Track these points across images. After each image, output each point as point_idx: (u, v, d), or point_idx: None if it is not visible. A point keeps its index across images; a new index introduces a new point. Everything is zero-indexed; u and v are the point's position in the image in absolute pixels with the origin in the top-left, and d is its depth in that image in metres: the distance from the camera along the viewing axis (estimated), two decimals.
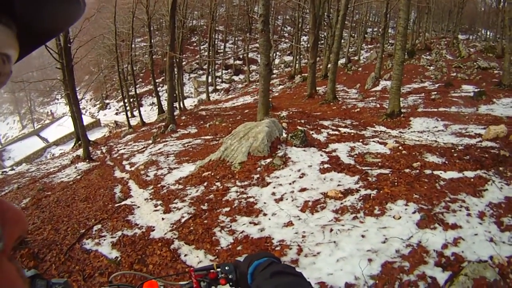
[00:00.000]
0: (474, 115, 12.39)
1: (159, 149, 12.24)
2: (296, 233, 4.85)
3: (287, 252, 4.43)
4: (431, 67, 25.77)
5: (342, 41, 30.11)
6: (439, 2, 45.95)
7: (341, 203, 5.48)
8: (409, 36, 31.18)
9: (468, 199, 5.41)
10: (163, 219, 6.02)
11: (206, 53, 45.32)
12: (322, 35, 33.38)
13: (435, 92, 17.91)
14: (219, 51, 50.89)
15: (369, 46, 46.53)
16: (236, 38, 53.79)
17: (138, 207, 6.78)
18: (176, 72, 27.53)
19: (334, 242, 4.51)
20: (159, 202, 6.79)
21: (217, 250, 4.80)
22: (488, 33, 55.51)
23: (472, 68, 23.15)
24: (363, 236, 4.57)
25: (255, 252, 2.37)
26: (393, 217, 4.92)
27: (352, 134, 9.64)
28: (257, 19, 11.76)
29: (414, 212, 4.96)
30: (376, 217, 4.98)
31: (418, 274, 3.77)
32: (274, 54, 46.86)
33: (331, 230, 4.80)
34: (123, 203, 7.17)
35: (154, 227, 5.76)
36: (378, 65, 24.25)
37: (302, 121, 11.81)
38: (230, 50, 52.28)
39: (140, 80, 50.12)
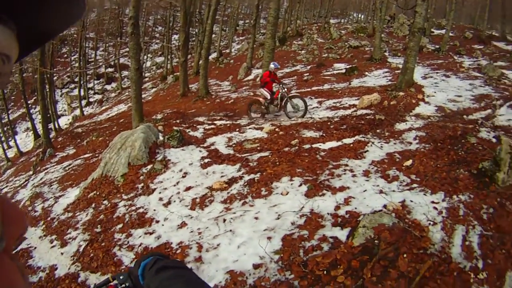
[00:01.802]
0: (347, 89, 13.47)
1: (41, 179, 11.27)
2: (191, 232, 4.88)
3: (188, 252, 4.44)
4: (303, 51, 27.25)
5: (214, 35, 30.58)
6: None
7: (228, 193, 5.64)
8: (281, 25, 32.72)
9: (351, 162, 6.03)
10: (62, 253, 5.62)
11: (76, 64, 43.00)
12: (194, 32, 33.55)
13: (308, 74, 18.97)
14: (90, 60, 48.45)
15: (241, 38, 47.89)
16: (107, 44, 51.82)
17: (35, 248, 6.24)
18: (47, 89, 25.51)
19: (231, 230, 4.63)
20: (53, 237, 6.30)
21: (122, 270, 4.62)
22: (360, 16, 60.47)
23: (344, 48, 25.10)
24: (256, 218, 4.76)
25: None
26: (281, 194, 5.22)
27: (228, 125, 9.89)
28: (127, 22, 11.35)
29: (300, 185, 5.33)
30: (264, 198, 5.23)
31: (319, 238, 4.11)
32: (145, 57, 45.92)
33: (224, 220, 4.92)
34: (19, 248, 6.55)
35: (56, 265, 5.35)
36: (249, 55, 24.93)
37: (178, 121, 11.76)
38: (101, 57, 50.10)
39: (12, 104, 45.11)
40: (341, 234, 4.15)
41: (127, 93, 35.32)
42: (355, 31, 31.56)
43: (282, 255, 3.96)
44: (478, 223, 4.30)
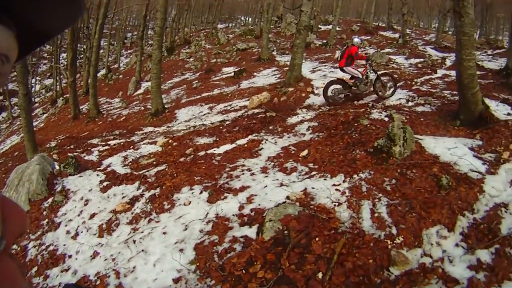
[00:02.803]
0: (237, 91, 14.02)
1: None
2: (105, 259, 4.81)
3: (107, 281, 4.39)
4: (191, 59, 27.43)
5: (102, 51, 29.58)
6: None
7: (132, 213, 5.64)
8: (169, 34, 32.50)
9: (247, 162, 6.35)
10: None
11: None
12: (81, 49, 32.21)
13: (197, 81, 19.35)
14: None
15: (129, 51, 46.87)
16: None
17: None
18: None
19: (143, 250, 4.65)
20: None
21: None
22: (248, 18, 62.02)
23: (232, 51, 25.68)
24: (164, 233, 4.84)
25: None
26: (184, 204, 5.36)
27: (122, 143, 9.77)
28: None
29: (201, 193, 5.52)
30: (168, 211, 5.33)
31: (229, 240, 4.33)
32: (34, 80, 42.81)
33: (134, 241, 4.90)
34: None
35: None
36: (138, 69, 24.50)
37: (72, 146, 11.31)
38: None
39: None
40: (250, 232, 4.40)
41: (18, 122, 32.80)
42: (243, 34, 32.43)
43: (198, 264, 4.09)
44: (383, 195, 4.83)
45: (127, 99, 21.19)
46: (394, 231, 4.26)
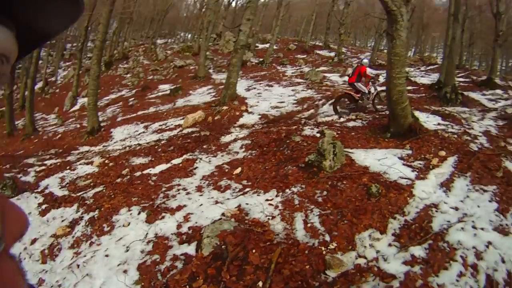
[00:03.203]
0: (172, 110, 14.13)
1: None
2: (51, 286, 4.80)
3: None
4: (128, 75, 27.19)
5: (40, 61, 28.42)
6: (142, 12, 48.24)
7: (73, 237, 5.65)
8: (108, 47, 31.75)
9: (183, 181, 6.63)
10: None
11: None
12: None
13: (133, 98, 19.27)
14: None
15: (67, 64, 45.25)
16: None
17: None
18: None
19: (87, 274, 4.70)
20: None
21: None
22: (188, 35, 61.63)
23: (169, 68, 25.77)
24: (107, 255, 4.93)
25: None
26: (123, 225, 5.49)
27: (58, 164, 9.60)
28: None
29: (139, 213, 5.69)
30: (109, 234, 5.43)
31: (170, 258, 4.51)
32: None
33: (78, 266, 4.94)
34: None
35: None
36: (75, 83, 23.63)
37: (8, 165, 10.95)
38: None
39: None
40: (190, 249, 4.61)
41: None
42: (181, 50, 32.59)
43: (143, 283, 4.25)
44: (315, 206, 5.23)
45: (63, 116, 20.53)
46: (327, 238, 4.61)
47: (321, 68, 22.27)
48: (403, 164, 6.51)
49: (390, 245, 4.58)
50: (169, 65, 26.46)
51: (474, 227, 4.87)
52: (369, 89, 11.13)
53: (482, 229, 4.84)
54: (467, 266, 4.20)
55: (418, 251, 4.41)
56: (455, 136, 8.14)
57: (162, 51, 32.22)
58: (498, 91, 17.16)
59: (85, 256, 5.07)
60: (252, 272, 4.03)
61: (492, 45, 19.80)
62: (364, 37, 63.70)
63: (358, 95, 11.04)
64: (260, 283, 3.89)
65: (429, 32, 50.75)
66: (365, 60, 11.79)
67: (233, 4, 44.01)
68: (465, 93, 14.90)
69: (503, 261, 4.31)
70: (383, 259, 4.34)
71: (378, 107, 11.10)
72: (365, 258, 4.36)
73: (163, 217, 5.44)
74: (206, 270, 4.14)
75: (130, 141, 10.81)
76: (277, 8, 29.04)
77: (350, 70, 12.04)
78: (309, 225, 4.88)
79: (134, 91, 21.95)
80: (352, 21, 46.92)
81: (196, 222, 5.16)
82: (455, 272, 4.11)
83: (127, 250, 4.89)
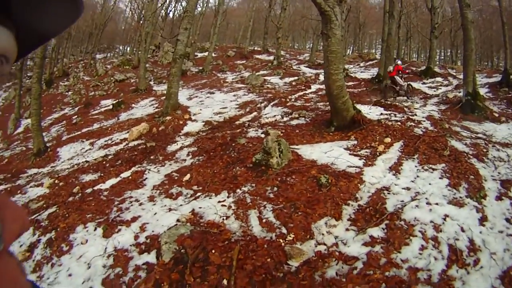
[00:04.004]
0: (117, 124, 14.00)
1: None
2: None
3: None
4: (70, 92, 26.39)
5: None
6: (80, 26, 46.75)
7: (33, 260, 5.55)
8: (47, 65, 30.74)
9: (135, 193, 6.70)
10: None
11: None
12: None
13: (76, 116, 18.74)
14: None
15: (8, 84, 43.27)
16: None
17: None
18: None
19: None
20: None
21: None
22: (127, 48, 60.28)
23: (110, 83, 25.28)
24: (70, 275, 4.87)
25: None
26: (82, 243, 5.46)
27: (8, 189, 9.30)
28: None
29: (95, 229, 5.66)
30: (68, 253, 5.36)
31: (133, 269, 4.55)
32: None
33: None
34: None
35: None
36: (17, 104, 22.69)
37: None
38: None
39: None
40: (150, 257, 4.66)
41: None
42: (121, 64, 31.95)
43: None
44: (268, 202, 5.46)
45: (8, 139, 19.69)
46: (284, 230, 4.83)
47: (261, 72, 22.73)
48: (350, 154, 6.91)
49: (347, 229, 4.87)
50: (109, 80, 25.94)
51: (428, 203, 5.30)
52: (402, 82, 14.21)
53: (436, 204, 5.29)
54: (428, 240, 4.55)
55: (376, 231, 4.73)
56: (399, 123, 8.72)
57: (102, 66, 31.40)
58: (439, 79, 18.74)
59: (48, 278, 5.00)
60: (215, 271, 4.15)
61: (429, 37, 21.67)
62: (302, 39, 64.98)
63: (397, 88, 14.05)
64: (225, 281, 4.02)
65: (366, 30, 52.97)
66: (399, 61, 15.08)
67: (170, 14, 43.58)
68: None
69: (463, 230, 4.73)
70: (343, 243, 4.62)
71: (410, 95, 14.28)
72: (325, 244, 4.62)
73: (119, 230, 5.45)
74: (169, 276, 4.19)
75: (78, 159, 10.64)
76: (214, 16, 29.44)
77: (390, 67, 14.89)
78: (264, 220, 5.07)
79: (76, 108, 21.42)
80: (289, 24, 48.15)
81: (152, 231, 5.22)
82: (417, 246, 4.45)
83: (89, 267, 4.85)
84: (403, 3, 27.06)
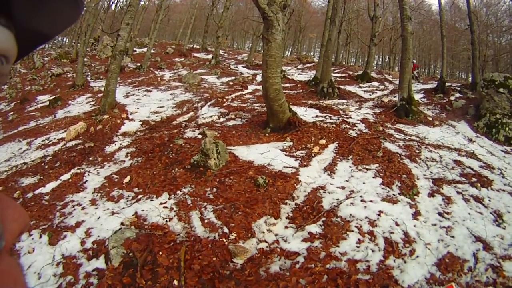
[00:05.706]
0: (53, 123, 13.23)
1: None
2: None
3: None
4: (5, 86, 24.24)
5: None
6: None
7: None
8: None
9: (76, 196, 6.61)
10: None
11: None
12: None
13: (12, 112, 17.46)
14: None
15: None
16: None
17: None
18: None
19: None
20: None
21: None
22: (65, 39, 57.14)
23: (47, 77, 23.80)
24: None
25: None
26: (28, 252, 5.15)
27: None
28: None
29: (40, 237, 5.51)
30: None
31: (84, 276, 4.47)
32: None
33: None
34: None
35: None
36: None
37: None
38: None
39: None
40: (99, 263, 4.60)
41: None
42: (59, 57, 30.34)
43: None
44: (208, 203, 5.62)
45: None
46: (226, 230, 5.00)
47: (199, 71, 22.56)
48: (286, 155, 7.19)
49: (286, 227, 5.17)
50: (46, 74, 24.40)
51: (363, 200, 5.71)
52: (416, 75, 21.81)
53: (371, 201, 5.70)
54: (364, 234, 4.93)
55: (315, 228, 5.06)
56: (334, 125, 9.05)
57: (39, 58, 29.28)
58: (375, 84, 19.50)
59: None
60: (165, 273, 4.24)
61: (368, 44, 22.72)
62: (241, 39, 65.25)
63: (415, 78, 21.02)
64: (176, 282, 4.13)
65: (306, 33, 53.41)
66: (414, 61, 20.07)
67: (113, 6, 42.14)
68: (342, 87, 16.69)
69: (397, 224, 5.14)
70: (284, 240, 4.91)
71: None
72: (266, 242, 4.88)
73: (65, 236, 5.35)
74: (121, 280, 4.21)
75: (16, 160, 10.05)
76: (156, 11, 28.78)
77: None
78: (206, 221, 5.22)
79: (12, 104, 19.88)
80: (230, 23, 48.05)
81: (98, 236, 5.18)
82: (354, 240, 4.81)
83: (40, 277, 4.68)
84: (346, 10, 28.05)
